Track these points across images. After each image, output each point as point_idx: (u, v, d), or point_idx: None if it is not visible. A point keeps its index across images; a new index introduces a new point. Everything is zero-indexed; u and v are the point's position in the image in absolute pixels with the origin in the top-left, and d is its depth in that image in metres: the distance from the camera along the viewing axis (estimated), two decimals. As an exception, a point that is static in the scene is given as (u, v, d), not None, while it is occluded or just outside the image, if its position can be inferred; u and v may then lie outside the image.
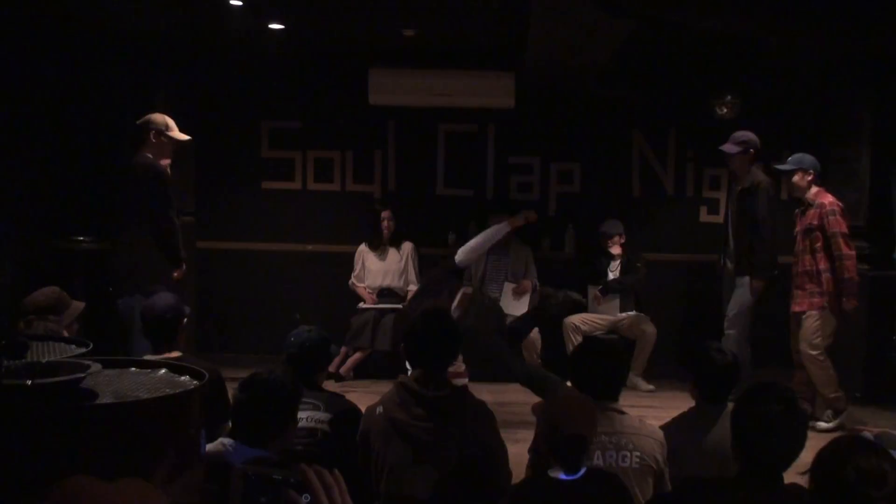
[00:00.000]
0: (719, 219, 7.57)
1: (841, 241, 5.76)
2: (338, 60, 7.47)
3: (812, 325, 5.82)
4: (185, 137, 5.62)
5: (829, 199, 5.90)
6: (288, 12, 6.15)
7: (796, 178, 5.97)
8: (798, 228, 6.03)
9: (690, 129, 7.57)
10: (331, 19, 6.33)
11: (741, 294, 6.26)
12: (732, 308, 6.32)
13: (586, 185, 7.73)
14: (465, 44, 6.96)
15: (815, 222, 5.84)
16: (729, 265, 6.47)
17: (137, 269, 5.38)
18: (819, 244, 5.83)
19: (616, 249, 7.17)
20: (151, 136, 5.46)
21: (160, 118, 5.52)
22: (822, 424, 5.74)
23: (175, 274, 5.51)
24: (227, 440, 2.84)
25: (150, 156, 5.45)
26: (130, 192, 5.47)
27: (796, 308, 5.95)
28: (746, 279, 6.24)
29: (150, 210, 5.39)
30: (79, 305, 4.09)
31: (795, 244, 6.05)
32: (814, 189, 5.95)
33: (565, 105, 7.59)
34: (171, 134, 5.51)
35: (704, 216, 7.64)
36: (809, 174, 5.94)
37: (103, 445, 1.73)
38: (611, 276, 7.14)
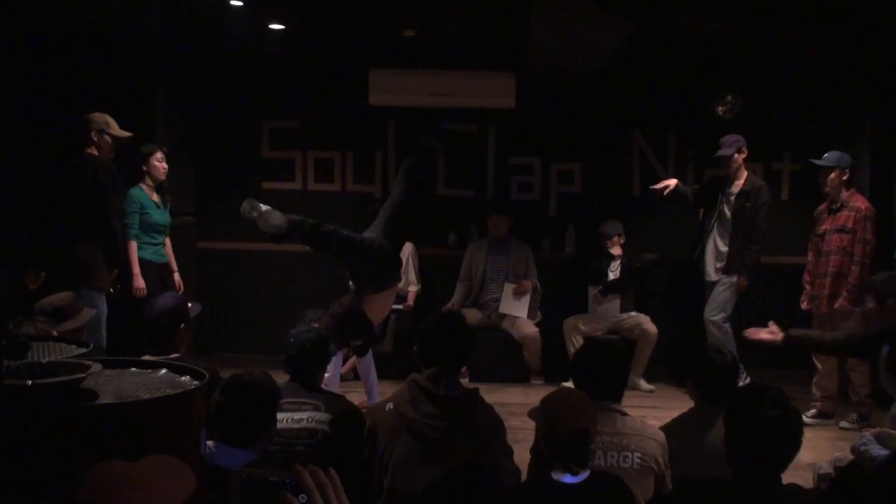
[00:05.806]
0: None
1: (866, 248, 5.80)
2: (338, 60, 7.46)
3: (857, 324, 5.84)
4: (126, 134, 5.71)
5: (864, 203, 5.89)
6: (288, 12, 6.14)
7: (833, 175, 5.90)
8: (825, 228, 5.98)
9: (690, 129, 7.57)
10: (331, 19, 6.32)
11: (724, 294, 6.38)
12: (717, 310, 6.40)
13: (586, 185, 7.73)
14: (465, 44, 6.95)
15: (850, 225, 5.82)
16: (712, 264, 6.53)
17: (93, 263, 5.44)
18: (850, 247, 5.84)
19: (616, 250, 7.16)
20: (93, 135, 5.56)
21: (100, 117, 5.63)
22: (846, 424, 5.86)
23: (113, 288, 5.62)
24: (209, 442, 2.84)
25: (96, 153, 5.55)
26: (79, 189, 5.51)
27: (829, 310, 5.92)
28: (734, 278, 6.35)
29: (103, 212, 5.49)
30: (90, 312, 4.19)
31: (817, 243, 6.03)
32: (847, 190, 5.92)
33: (565, 105, 7.58)
34: (111, 132, 5.62)
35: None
36: (846, 174, 5.90)
37: (104, 446, 1.73)
38: (611, 276, 7.12)
